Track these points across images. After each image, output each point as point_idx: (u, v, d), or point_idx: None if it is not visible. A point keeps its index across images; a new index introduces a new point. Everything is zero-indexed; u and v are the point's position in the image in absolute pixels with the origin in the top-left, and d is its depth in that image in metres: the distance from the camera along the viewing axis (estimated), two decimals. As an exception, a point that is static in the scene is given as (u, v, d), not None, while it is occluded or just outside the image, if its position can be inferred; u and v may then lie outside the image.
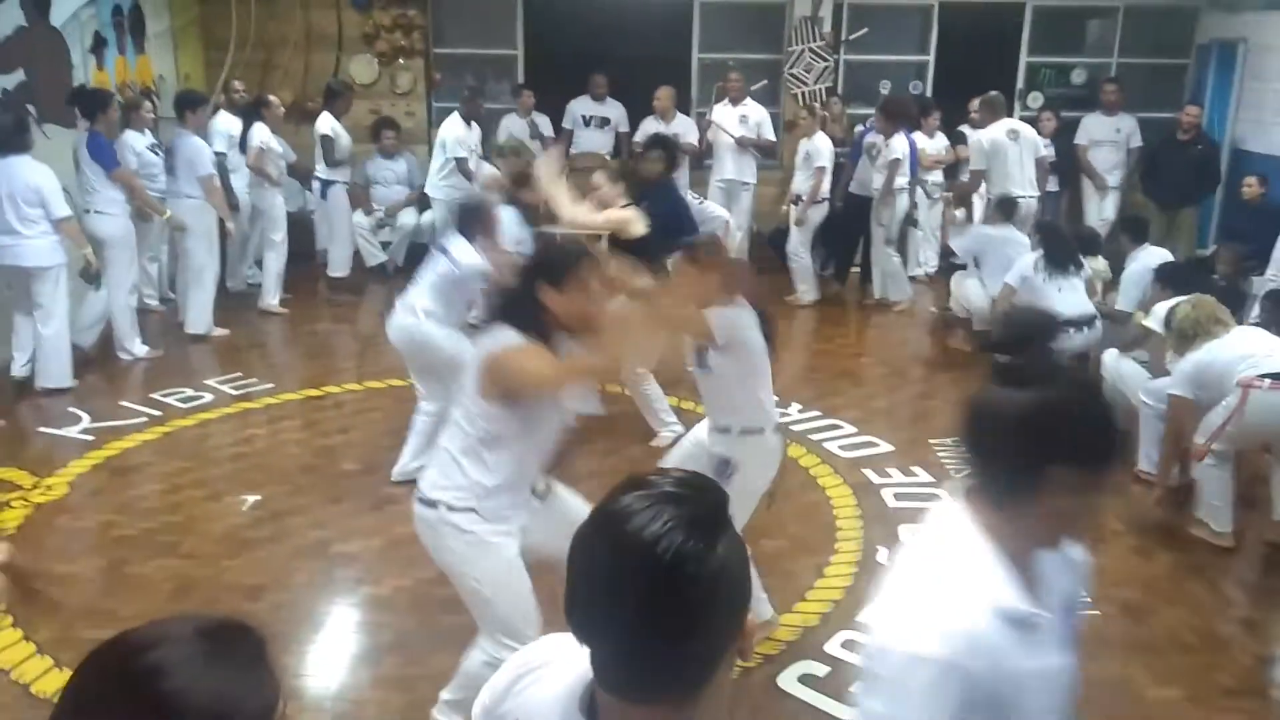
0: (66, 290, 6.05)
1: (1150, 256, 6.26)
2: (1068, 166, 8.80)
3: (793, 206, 8.27)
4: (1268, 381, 4.22)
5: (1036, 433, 1.43)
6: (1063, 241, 6.45)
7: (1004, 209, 7.16)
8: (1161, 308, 5.00)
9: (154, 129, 7.35)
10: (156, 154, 7.14)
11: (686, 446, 3.68)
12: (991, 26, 9.64)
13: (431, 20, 9.58)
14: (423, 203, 8.83)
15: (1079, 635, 1.62)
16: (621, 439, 5.44)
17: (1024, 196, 7.59)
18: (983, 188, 7.79)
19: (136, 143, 7.01)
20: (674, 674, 1.09)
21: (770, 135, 8.70)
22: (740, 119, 8.51)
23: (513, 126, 8.90)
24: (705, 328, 3.26)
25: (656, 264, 3.88)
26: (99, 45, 7.59)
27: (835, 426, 5.71)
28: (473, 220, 4.91)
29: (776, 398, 3.57)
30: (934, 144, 8.80)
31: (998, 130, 7.75)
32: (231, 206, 7.58)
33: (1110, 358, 5.63)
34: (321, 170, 8.06)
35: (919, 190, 8.47)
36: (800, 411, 5.84)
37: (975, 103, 8.57)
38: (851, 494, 4.94)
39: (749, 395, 3.40)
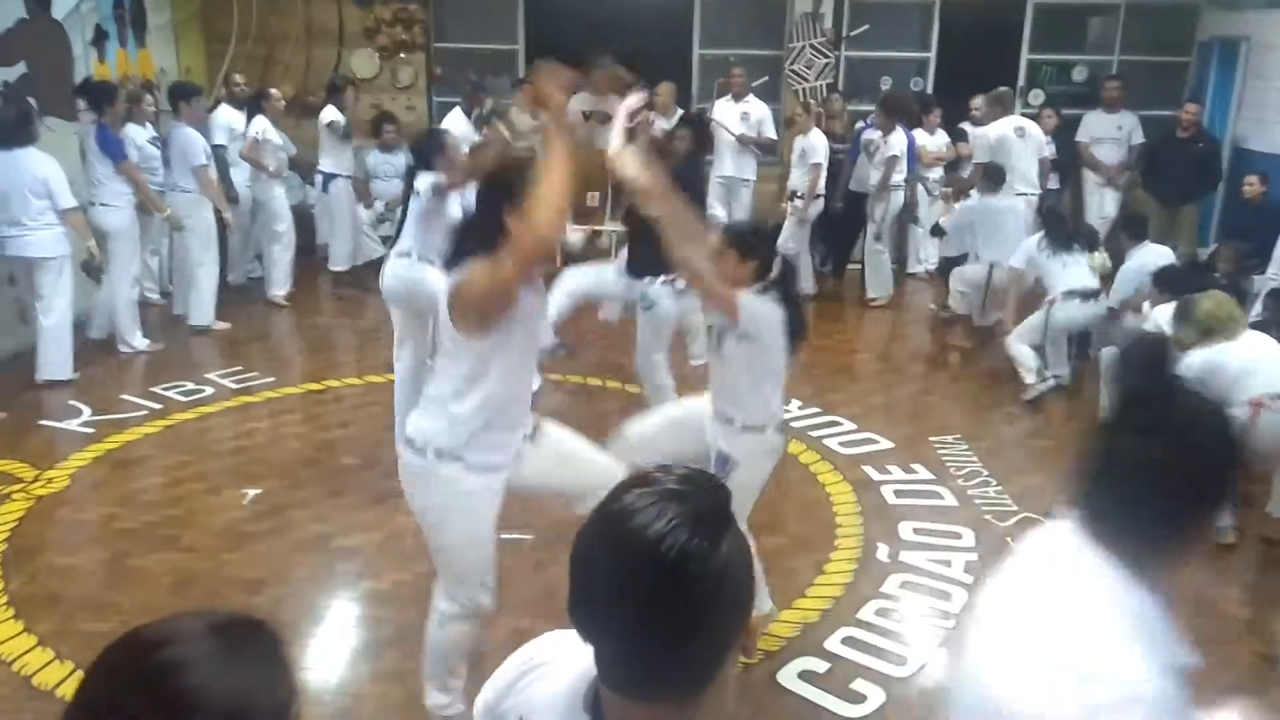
0: (70, 282, 6.08)
1: (1149, 254, 6.27)
2: (1068, 164, 8.80)
3: (789, 203, 8.27)
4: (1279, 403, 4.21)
5: (1199, 488, 1.38)
6: (1063, 223, 6.60)
7: (992, 177, 7.19)
8: (1162, 311, 5.00)
9: (155, 122, 7.36)
10: (157, 147, 7.15)
11: (677, 412, 3.76)
12: (993, 23, 9.63)
13: (433, 15, 9.57)
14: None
15: None
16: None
17: (1025, 194, 7.60)
18: None
19: (138, 136, 7.01)
20: (678, 672, 1.09)
21: (771, 133, 8.69)
22: (742, 116, 8.50)
23: (517, 121, 8.88)
24: (733, 305, 3.25)
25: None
26: (100, 38, 7.60)
27: (835, 423, 5.72)
28: (430, 149, 5.12)
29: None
30: (935, 141, 8.80)
31: (1005, 126, 7.75)
32: (231, 200, 7.59)
33: (1109, 355, 5.65)
34: (325, 164, 8.07)
35: (920, 187, 8.47)
36: (800, 408, 5.85)
37: (977, 100, 8.57)
38: (851, 490, 4.95)
39: (757, 391, 3.40)
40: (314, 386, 6.26)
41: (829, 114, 8.79)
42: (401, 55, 9.47)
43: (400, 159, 8.98)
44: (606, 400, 5.99)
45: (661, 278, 5.10)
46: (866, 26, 9.42)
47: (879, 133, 8.04)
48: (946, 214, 8.25)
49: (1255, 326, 4.90)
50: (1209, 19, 9.37)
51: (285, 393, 6.12)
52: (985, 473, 5.15)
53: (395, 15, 9.37)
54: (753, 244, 3.37)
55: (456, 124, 8.21)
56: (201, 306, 7.24)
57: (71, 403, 5.78)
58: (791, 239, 8.10)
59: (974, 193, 7.97)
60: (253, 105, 7.86)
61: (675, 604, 1.04)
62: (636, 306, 5.27)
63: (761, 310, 3.29)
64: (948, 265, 7.92)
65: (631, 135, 4.67)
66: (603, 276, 5.60)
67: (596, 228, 8.39)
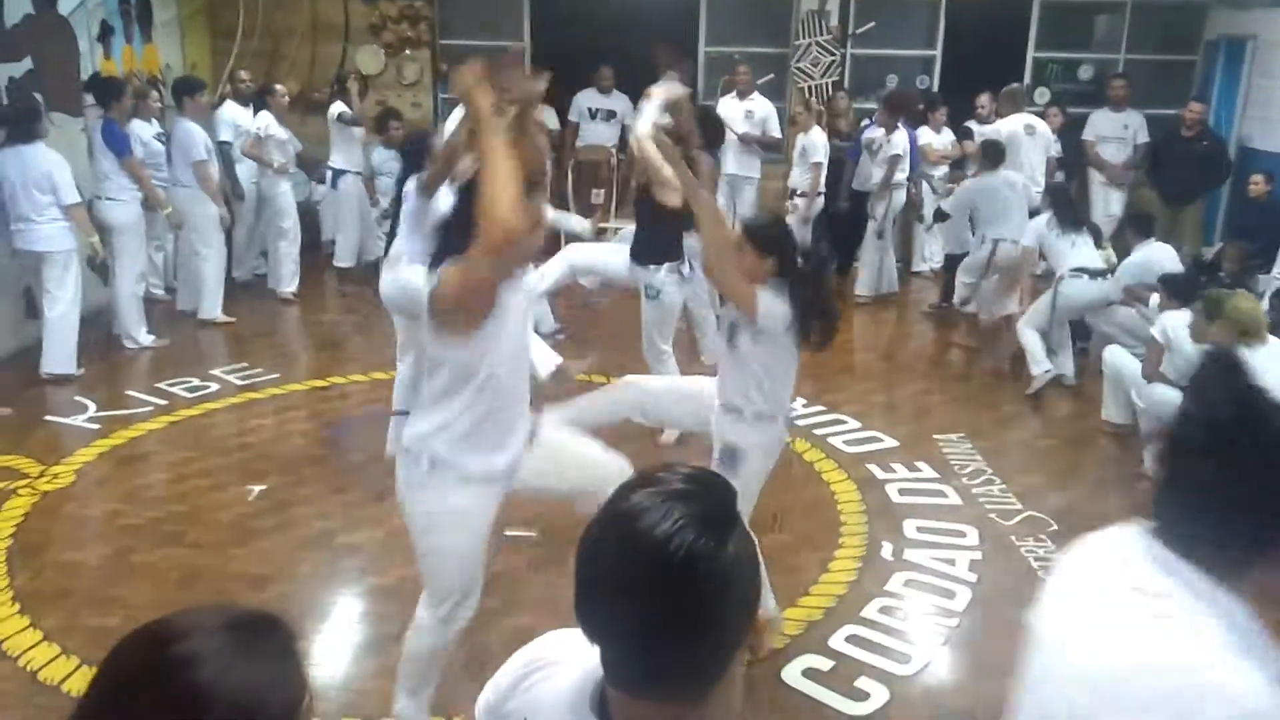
0: (76, 277, 6.10)
1: (1154, 251, 6.29)
2: (1074, 162, 8.79)
3: (790, 202, 8.25)
4: None
5: None
6: (1069, 200, 6.66)
7: (990, 155, 7.19)
8: (1173, 318, 4.95)
9: (160, 118, 7.37)
10: (162, 143, 7.17)
11: (691, 385, 3.79)
12: (999, 21, 9.62)
13: (438, 12, 9.57)
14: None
15: None
16: (626, 435, 5.44)
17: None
18: None
19: (143, 132, 7.03)
20: (686, 671, 1.09)
21: (775, 131, 8.67)
22: (746, 114, 8.49)
23: None
24: (751, 301, 3.24)
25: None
26: (106, 34, 7.61)
27: (839, 421, 5.72)
28: (418, 156, 4.94)
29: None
30: (940, 139, 8.78)
31: (1015, 123, 7.74)
32: (236, 196, 7.60)
33: (1110, 354, 5.64)
34: (336, 160, 8.10)
35: (925, 185, 8.45)
36: (804, 406, 5.84)
37: (982, 98, 8.55)
38: (855, 489, 4.95)
39: (769, 383, 3.40)
40: (319, 383, 6.27)
41: (834, 112, 8.79)
42: (407, 52, 9.48)
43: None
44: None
45: (666, 265, 5.08)
46: (872, 24, 9.42)
47: (881, 131, 8.04)
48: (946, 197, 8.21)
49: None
50: (1216, 17, 9.35)
51: (290, 389, 6.13)
52: (989, 471, 5.15)
53: (401, 12, 9.38)
54: (772, 240, 3.35)
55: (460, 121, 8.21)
56: (209, 300, 7.27)
57: (77, 398, 5.80)
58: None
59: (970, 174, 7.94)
60: (258, 101, 7.87)
61: (683, 604, 1.05)
62: (642, 293, 5.23)
63: (780, 310, 3.29)
64: (953, 263, 7.92)
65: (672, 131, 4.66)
66: (608, 257, 5.58)
67: (602, 225, 8.39)
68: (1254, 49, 8.73)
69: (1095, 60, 9.90)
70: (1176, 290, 5.34)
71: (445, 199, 4.85)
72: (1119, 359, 5.56)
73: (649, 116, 4.67)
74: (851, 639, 3.72)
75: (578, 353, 6.22)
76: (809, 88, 9.38)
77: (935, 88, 9.56)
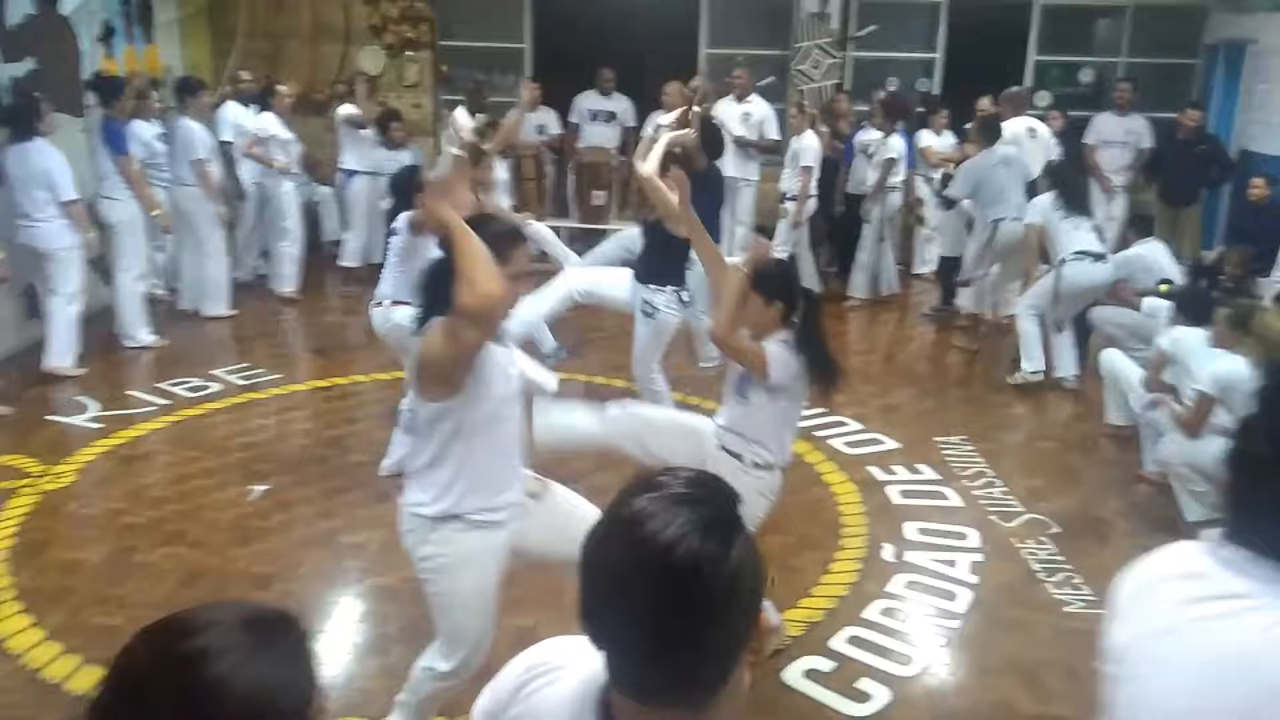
0: (78, 274, 6.12)
1: (1150, 248, 6.36)
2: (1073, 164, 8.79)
3: (781, 205, 8.24)
4: None
5: None
6: (1073, 179, 6.68)
7: (987, 132, 7.20)
8: (1183, 334, 4.90)
9: (161, 118, 7.38)
10: (163, 143, 7.18)
11: (689, 422, 3.74)
12: (1000, 24, 9.63)
13: (439, 13, 9.58)
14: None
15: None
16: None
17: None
18: None
19: (144, 132, 7.03)
20: (691, 676, 1.09)
21: (773, 133, 8.64)
22: (743, 116, 8.47)
23: (459, 119, 8.51)
24: (761, 361, 3.25)
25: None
26: (108, 34, 7.62)
27: (840, 423, 5.72)
28: (406, 188, 4.91)
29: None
30: (941, 141, 8.78)
31: (1018, 126, 7.75)
32: (238, 196, 7.59)
33: (1106, 358, 5.64)
34: (347, 160, 8.14)
35: (925, 187, 8.45)
36: (805, 408, 5.83)
37: (983, 101, 8.55)
38: (856, 490, 4.96)
39: (776, 434, 3.41)
40: (321, 383, 6.27)
41: (836, 114, 8.79)
42: (408, 53, 9.48)
43: (406, 156, 8.99)
44: (612, 398, 5.97)
45: (669, 289, 4.92)
46: (874, 27, 9.42)
47: (877, 134, 8.05)
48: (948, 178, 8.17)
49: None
50: (1216, 21, 9.35)
51: (292, 390, 6.14)
52: (990, 473, 5.16)
53: (402, 13, 9.38)
54: (776, 285, 3.33)
55: (461, 122, 8.19)
56: (215, 296, 7.30)
57: (79, 398, 5.80)
58: (787, 241, 8.09)
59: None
60: (261, 101, 7.88)
61: (689, 609, 1.05)
62: (637, 312, 5.16)
63: (791, 361, 3.29)
64: (947, 265, 7.93)
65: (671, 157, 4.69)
66: (610, 286, 5.37)
67: (603, 226, 8.40)
68: (1254, 53, 8.73)
69: (1096, 63, 9.91)
70: (1189, 310, 5.13)
71: (433, 245, 4.78)
72: (1114, 362, 5.55)
73: (656, 157, 4.64)
74: (852, 640, 3.72)
75: (577, 365, 6.24)
76: (804, 90, 9.37)
77: (936, 91, 9.57)
